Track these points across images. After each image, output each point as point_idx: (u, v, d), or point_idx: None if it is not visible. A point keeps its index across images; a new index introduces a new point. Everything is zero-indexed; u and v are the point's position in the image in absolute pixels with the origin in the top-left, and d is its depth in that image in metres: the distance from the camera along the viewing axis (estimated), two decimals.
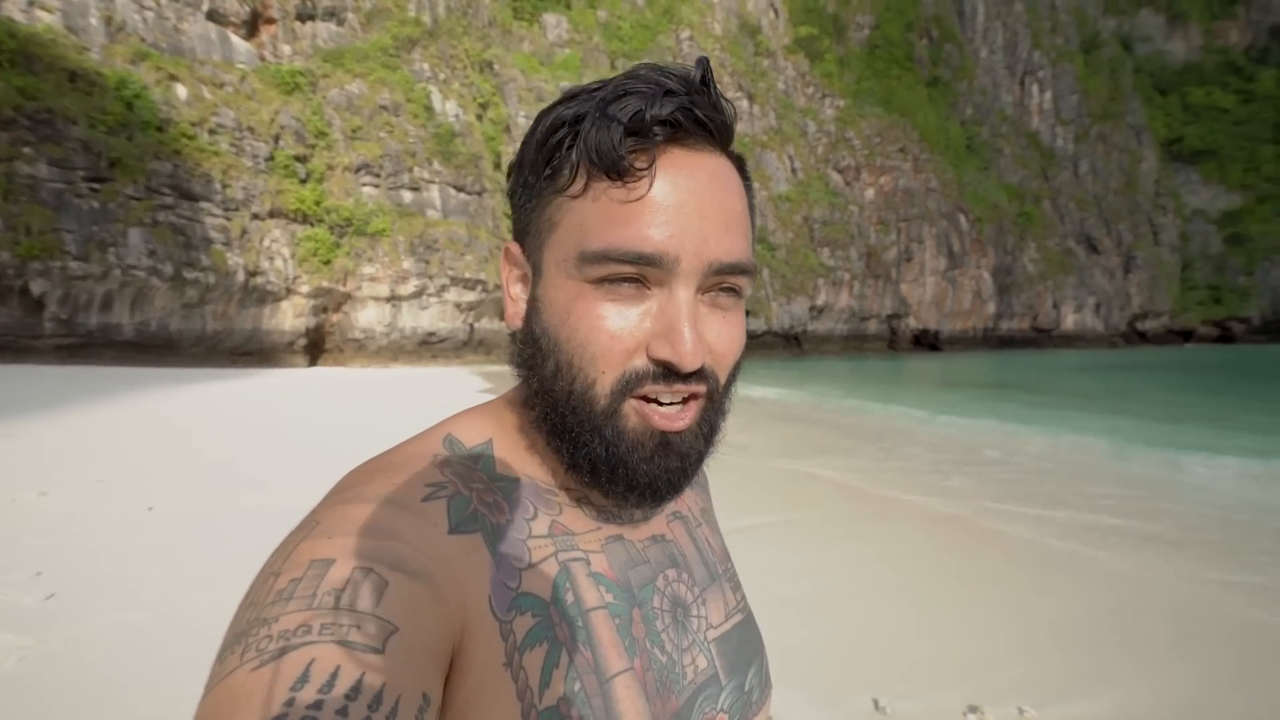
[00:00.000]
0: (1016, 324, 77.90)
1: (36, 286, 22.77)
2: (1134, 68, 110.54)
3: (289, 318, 30.64)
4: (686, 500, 0.62)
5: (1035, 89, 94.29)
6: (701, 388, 0.47)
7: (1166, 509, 5.62)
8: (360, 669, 0.32)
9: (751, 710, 0.55)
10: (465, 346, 35.44)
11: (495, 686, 0.40)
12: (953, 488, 6.40)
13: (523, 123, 46.65)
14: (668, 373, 0.45)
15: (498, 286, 36.17)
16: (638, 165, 0.43)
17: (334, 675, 0.31)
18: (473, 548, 0.43)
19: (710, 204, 0.45)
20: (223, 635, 0.34)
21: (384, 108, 36.07)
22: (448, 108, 38.70)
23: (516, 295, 0.50)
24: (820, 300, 58.45)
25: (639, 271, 0.44)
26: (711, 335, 0.46)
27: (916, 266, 69.77)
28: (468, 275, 34.94)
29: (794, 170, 63.62)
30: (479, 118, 41.39)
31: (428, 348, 34.16)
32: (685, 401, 0.47)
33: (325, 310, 32.22)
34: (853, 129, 70.15)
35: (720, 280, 0.46)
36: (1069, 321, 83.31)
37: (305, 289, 31.00)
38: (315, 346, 32.10)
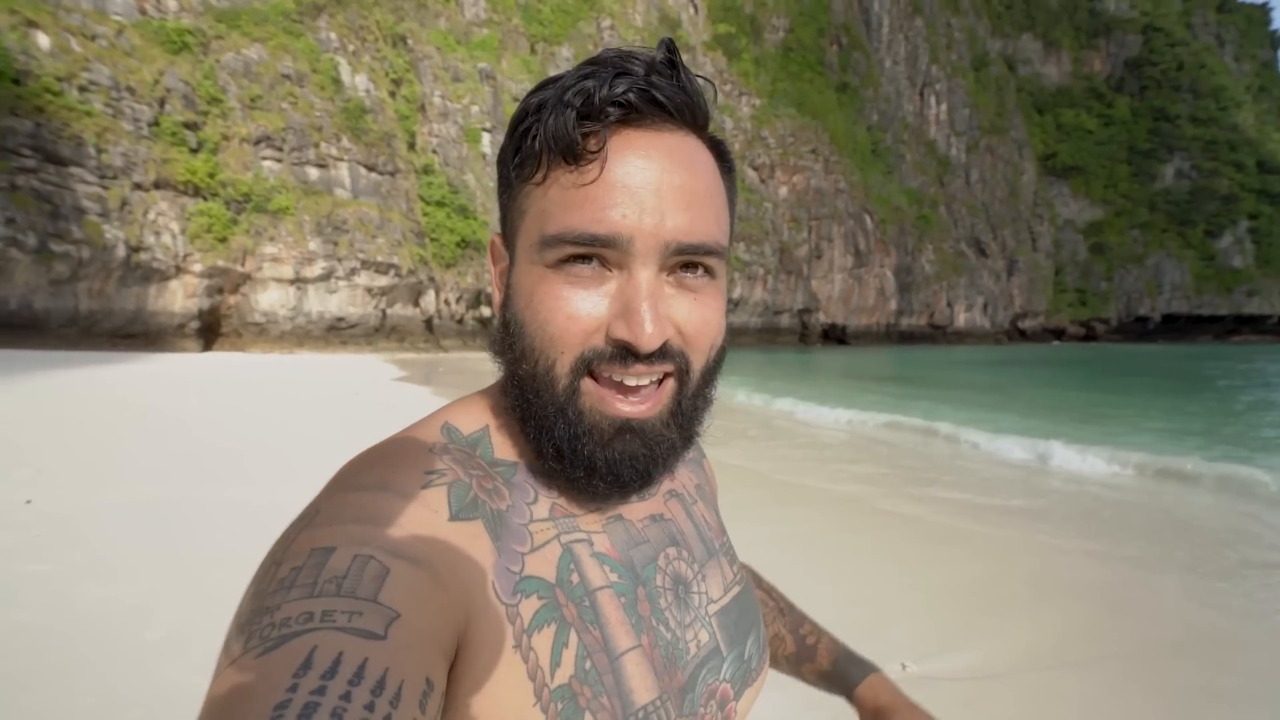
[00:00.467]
0: (916, 320, 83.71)
1: None
2: (1016, 87, 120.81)
3: (179, 298, 28.19)
4: (680, 478, 0.62)
5: (933, 100, 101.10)
6: (666, 368, 0.46)
7: (1033, 489, 6.39)
8: (363, 655, 0.32)
9: (751, 677, 0.57)
10: (377, 333, 33.92)
11: (506, 669, 0.41)
12: (855, 473, 6.96)
13: (438, 102, 44.83)
14: (626, 353, 0.44)
15: (411, 271, 34.83)
16: (590, 148, 0.43)
17: (337, 661, 0.31)
18: (474, 534, 0.43)
19: (669, 184, 0.44)
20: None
21: (286, 77, 33.68)
22: (358, 81, 36.66)
23: (500, 285, 0.51)
24: (736, 294, 60.28)
25: (596, 253, 0.44)
26: (680, 316, 0.46)
27: (826, 264, 73.34)
28: (380, 259, 33.41)
29: None
30: (392, 94, 39.48)
31: (336, 333, 32.43)
32: (659, 384, 0.47)
33: (221, 291, 29.87)
34: (768, 128, 72.50)
35: (684, 260, 0.46)
36: (961, 319, 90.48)
37: (198, 268, 28.61)
38: (210, 330, 29.73)
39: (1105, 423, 11.99)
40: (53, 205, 24.40)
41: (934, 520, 5.08)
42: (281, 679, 0.30)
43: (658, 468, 0.48)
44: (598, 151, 0.43)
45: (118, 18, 29.71)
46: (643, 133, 0.45)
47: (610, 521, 0.51)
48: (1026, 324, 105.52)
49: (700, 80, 0.48)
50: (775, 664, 0.76)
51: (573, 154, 0.44)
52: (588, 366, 0.45)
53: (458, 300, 39.65)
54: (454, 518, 0.43)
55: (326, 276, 32.01)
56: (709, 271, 0.47)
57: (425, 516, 0.41)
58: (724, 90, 72.57)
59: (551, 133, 0.44)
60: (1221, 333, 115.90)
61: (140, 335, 27.07)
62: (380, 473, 0.43)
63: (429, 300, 36.86)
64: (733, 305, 60.06)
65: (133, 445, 6.46)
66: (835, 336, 73.39)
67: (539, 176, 0.45)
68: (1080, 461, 7.55)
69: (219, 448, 6.51)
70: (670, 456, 0.49)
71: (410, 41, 43.61)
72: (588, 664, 0.44)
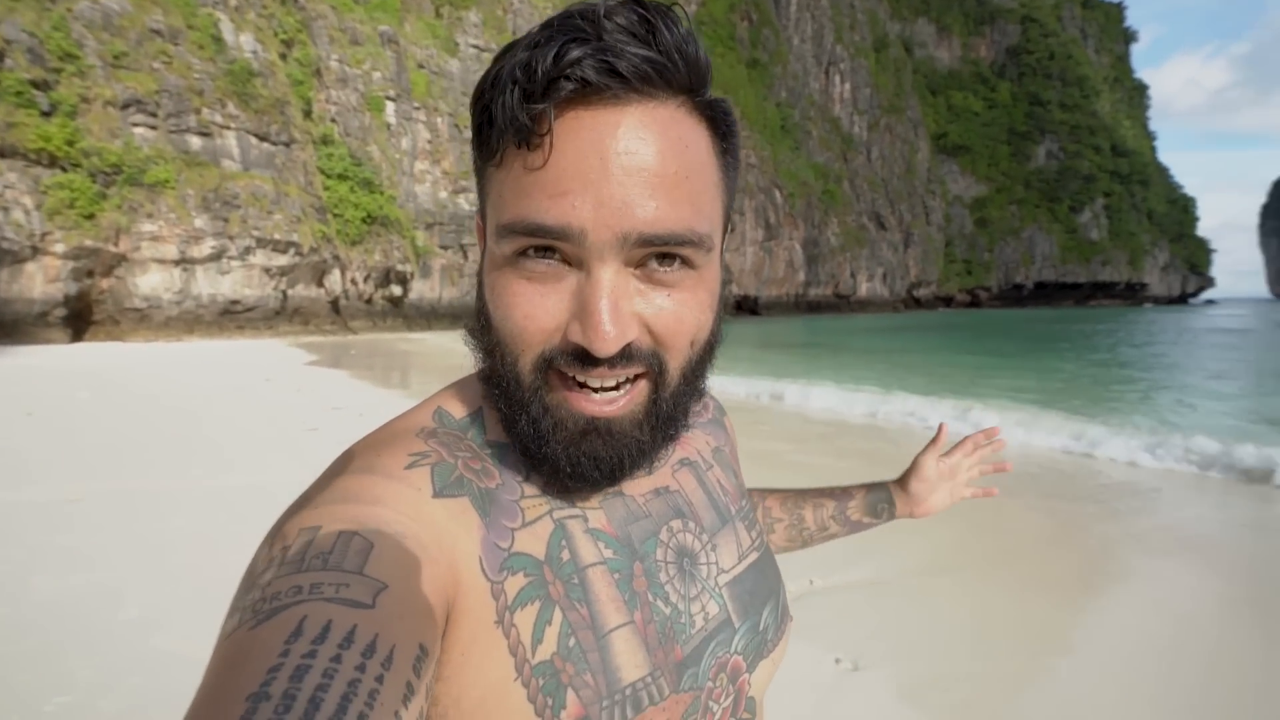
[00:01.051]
0: (822, 291, 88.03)
1: None
2: (913, 69, 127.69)
3: (38, 283, 25.29)
4: (695, 443, 0.61)
5: (838, 79, 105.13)
6: (634, 370, 0.44)
7: (918, 440, 7.28)
8: (352, 621, 0.32)
9: (767, 648, 0.56)
10: (278, 316, 31.90)
11: (486, 643, 0.41)
12: (764, 431, 7.63)
13: (336, 67, 41.88)
14: (586, 356, 0.42)
15: (313, 249, 32.89)
16: (538, 130, 0.39)
17: (326, 628, 0.32)
18: (460, 510, 0.43)
19: (630, 166, 0.39)
20: None
21: (157, 33, 30.42)
22: (242, 41, 33.67)
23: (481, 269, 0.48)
24: None
25: (551, 245, 0.41)
26: (650, 313, 0.42)
27: (738, 237, 75.45)
28: (278, 236, 31.28)
29: None
30: (283, 57, 36.58)
31: (231, 318, 30.23)
32: (632, 383, 0.45)
33: (91, 274, 27.03)
34: None
35: (653, 251, 0.41)
36: (863, 289, 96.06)
37: (60, 248, 25.72)
38: (79, 318, 26.91)
39: (989, 381, 13.48)
40: None
41: (838, 467, 5.76)
42: (274, 646, 0.31)
43: (624, 469, 0.46)
44: (544, 133, 0.39)
45: None
46: (602, 109, 0.39)
47: (609, 498, 0.50)
48: (921, 292, 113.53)
49: (688, 35, 0.42)
50: (821, 533, 0.85)
51: (522, 135, 0.40)
52: (550, 364, 0.43)
53: (365, 279, 37.90)
54: (438, 495, 0.42)
55: (217, 256, 29.65)
56: (687, 262, 0.43)
57: (408, 494, 0.41)
58: None
59: (499, 112, 0.40)
60: (1081, 298, 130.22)
61: None
62: (365, 458, 0.44)
63: (334, 280, 35.01)
64: None
65: (39, 442, 6.06)
66: (748, 308, 76.04)
67: (496, 158, 0.42)
68: (952, 417, 8.59)
69: (136, 441, 6.23)
70: (640, 457, 0.47)
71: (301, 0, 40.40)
72: (571, 641, 0.43)
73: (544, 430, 0.44)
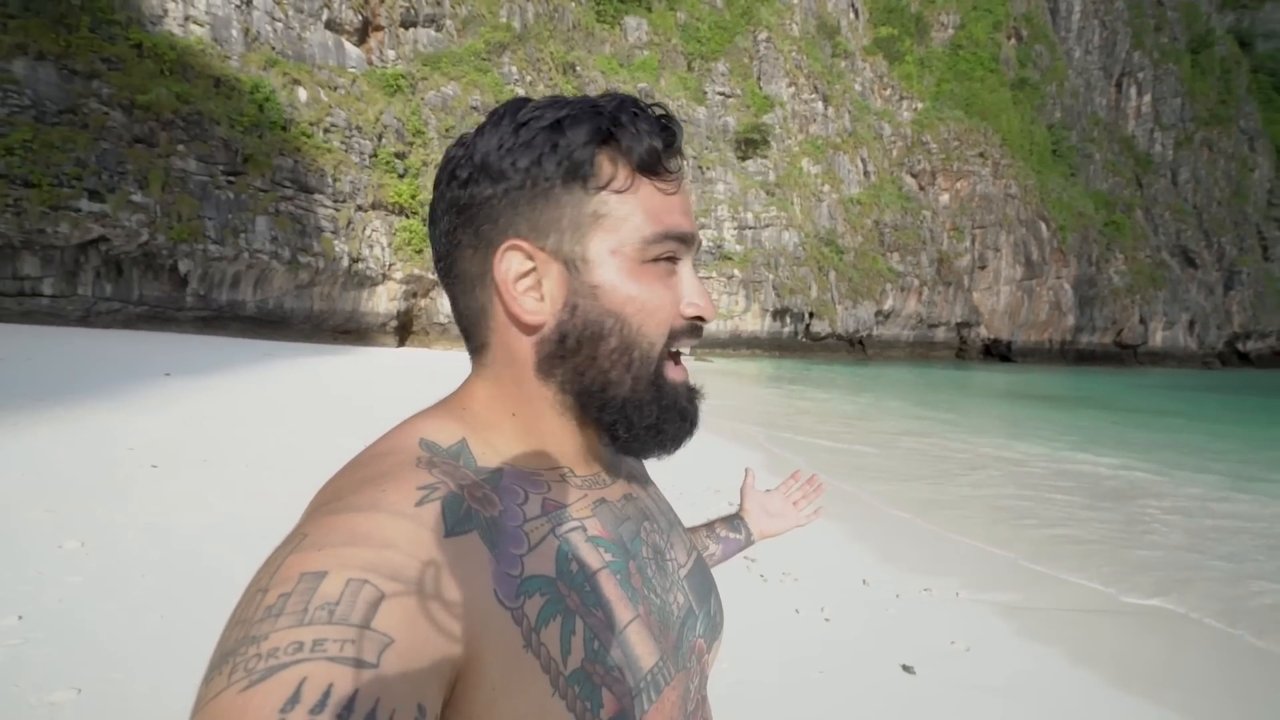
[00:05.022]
0: (1098, 338, 74.25)
1: (183, 266, 26.28)
2: (1252, 67, 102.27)
3: (383, 301, 33.62)
4: (629, 463, 0.66)
5: (1134, 91, 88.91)
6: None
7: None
8: (354, 685, 0.32)
9: (717, 631, 0.63)
10: None
11: (519, 669, 0.42)
12: (977, 481, 7.57)
13: None
14: (696, 328, 0.54)
15: None
16: (671, 168, 0.53)
17: (326, 693, 0.31)
18: (470, 548, 0.43)
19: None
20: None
21: (474, 108, 38.60)
22: None
23: (545, 293, 0.51)
24: (887, 305, 57.88)
25: (675, 250, 0.53)
26: None
27: (990, 274, 67.66)
28: None
29: (866, 173, 62.97)
30: None
31: None
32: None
33: (415, 295, 35.09)
34: (930, 132, 68.54)
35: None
36: (1158, 338, 78.63)
37: (399, 275, 33.91)
38: (404, 328, 35.07)
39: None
40: (302, 225, 30.39)
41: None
42: (267, 713, 0.30)
43: (695, 427, 0.56)
44: (676, 172, 0.53)
45: (352, 69, 36.10)
46: (675, 160, 0.54)
47: (598, 505, 0.55)
48: (1250, 346, 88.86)
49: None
50: (705, 553, 0.93)
51: (654, 170, 0.52)
52: (670, 343, 0.53)
53: None
54: (450, 533, 0.42)
55: None
56: None
57: (421, 536, 0.41)
58: (883, 95, 69.84)
59: (643, 152, 0.51)
60: None
61: (353, 331, 32.73)
62: (370, 493, 0.43)
63: None
64: (883, 317, 57.80)
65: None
66: (998, 353, 67.46)
67: (621, 184, 0.51)
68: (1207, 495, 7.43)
69: None
70: (699, 418, 0.57)
71: (579, 68, 47.66)
72: (595, 644, 0.46)
73: (669, 403, 0.53)
